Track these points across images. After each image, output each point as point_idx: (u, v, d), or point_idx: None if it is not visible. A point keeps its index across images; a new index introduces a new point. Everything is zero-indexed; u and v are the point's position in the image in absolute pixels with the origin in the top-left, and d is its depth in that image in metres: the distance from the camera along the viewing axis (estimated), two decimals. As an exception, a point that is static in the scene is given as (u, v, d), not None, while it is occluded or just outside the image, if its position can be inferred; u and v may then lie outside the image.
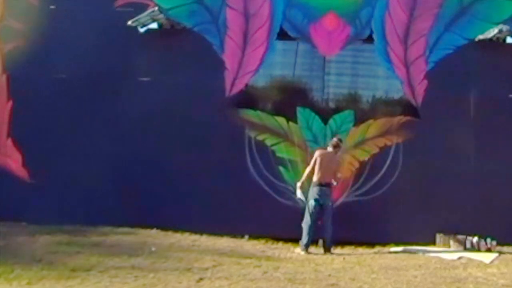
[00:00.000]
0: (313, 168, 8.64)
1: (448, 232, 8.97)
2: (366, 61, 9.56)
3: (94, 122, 9.41)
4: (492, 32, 9.18)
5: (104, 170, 9.22)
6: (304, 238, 8.56)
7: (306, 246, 8.54)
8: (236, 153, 9.29)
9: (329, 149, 8.81)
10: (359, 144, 9.24)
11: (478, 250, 8.73)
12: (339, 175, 8.83)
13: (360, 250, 8.72)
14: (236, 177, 9.22)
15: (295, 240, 8.90)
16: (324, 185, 8.61)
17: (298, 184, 8.78)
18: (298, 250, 8.55)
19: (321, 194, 8.57)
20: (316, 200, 8.57)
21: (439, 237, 9.01)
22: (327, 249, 8.59)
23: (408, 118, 9.35)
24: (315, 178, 8.62)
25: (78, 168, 9.27)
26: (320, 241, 8.82)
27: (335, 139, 8.85)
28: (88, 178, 9.21)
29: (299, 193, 8.77)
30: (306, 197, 8.69)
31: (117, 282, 6.46)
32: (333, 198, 9.01)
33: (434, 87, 9.25)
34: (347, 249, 8.75)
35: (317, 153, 8.73)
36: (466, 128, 9.30)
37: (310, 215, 8.58)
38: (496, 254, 8.54)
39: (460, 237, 8.87)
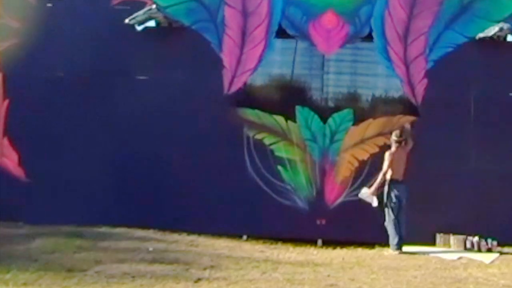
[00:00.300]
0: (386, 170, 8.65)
1: (448, 232, 8.92)
2: (366, 60, 9.49)
3: (91, 121, 9.34)
4: (493, 30, 9.12)
5: (101, 169, 9.15)
6: (394, 238, 8.52)
7: (398, 245, 8.49)
8: (234, 152, 9.22)
9: (393, 148, 8.74)
10: (358, 143, 9.18)
11: (479, 250, 8.68)
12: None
13: (360, 250, 8.66)
14: (234, 177, 9.15)
15: (294, 240, 8.87)
16: (400, 182, 8.61)
17: (370, 191, 8.69)
18: (390, 251, 8.50)
19: (400, 190, 8.57)
20: (396, 196, 8.56)
21: (439, 237, 8.95)
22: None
23: (408, 117, 9.30)
24: (388, 176, 8.63)
25: (75, 167, 9.21)
26: (319, 241, 8.88)
27: (394, 137, 8.74)
28: (85, 178, 9.16)
29: (374, 201, 8.67)
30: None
31: (114, 283, 6.44)
32: (332, 198, 9.07)
33: (434, 85, 9.20)
34: (346, 250, 8.70)
35: (388, 155, 8.68)
36: (466, 127, 9.25)
37: (393, 212, 8.55)
38: (496, 254, 8.49)
39: (461, 237, 8.82)
